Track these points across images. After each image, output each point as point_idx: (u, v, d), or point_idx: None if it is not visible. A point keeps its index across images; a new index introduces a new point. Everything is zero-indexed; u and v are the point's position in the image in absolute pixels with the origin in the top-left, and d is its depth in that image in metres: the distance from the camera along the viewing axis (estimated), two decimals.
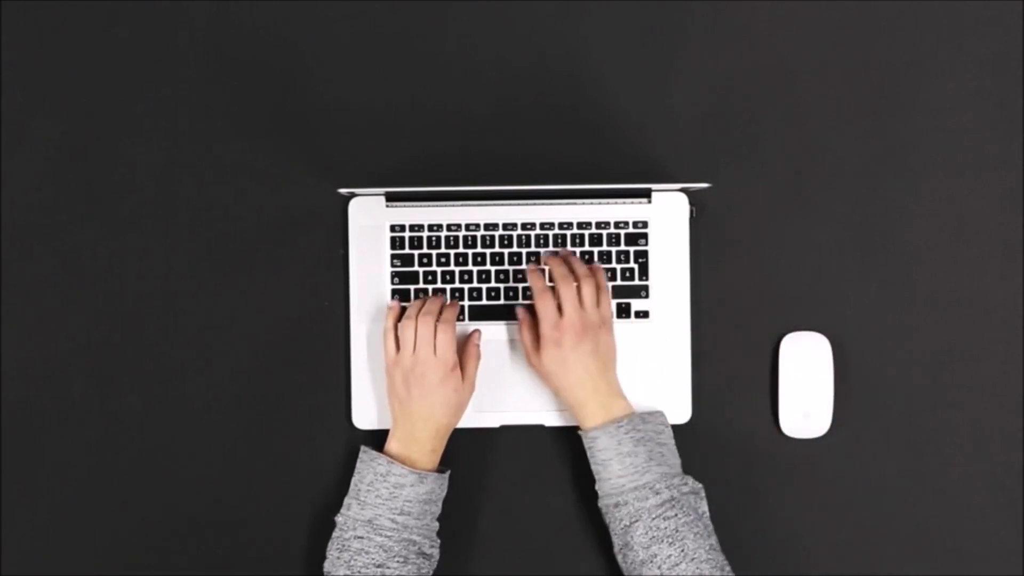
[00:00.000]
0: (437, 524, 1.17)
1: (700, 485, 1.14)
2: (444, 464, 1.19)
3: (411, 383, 1.15)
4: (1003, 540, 1.24)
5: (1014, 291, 1.24)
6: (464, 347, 1.20)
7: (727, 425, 1.24)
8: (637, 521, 1.11)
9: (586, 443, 1.16)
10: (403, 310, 1.20)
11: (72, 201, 1.24)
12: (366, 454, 1.16)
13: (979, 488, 1.24)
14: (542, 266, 1.22)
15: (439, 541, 1.16)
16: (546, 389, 1.22)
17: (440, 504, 1.17)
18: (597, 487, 1.16)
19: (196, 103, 1.25)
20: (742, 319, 1.25)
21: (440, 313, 1.17)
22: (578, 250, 1.23)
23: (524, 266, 1.22)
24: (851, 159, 1.25)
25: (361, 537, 1.12)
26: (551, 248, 1.23)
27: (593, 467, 1.16)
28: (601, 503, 1.15)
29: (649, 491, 1.11)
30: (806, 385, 1.23)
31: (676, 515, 1.11)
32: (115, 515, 1.24)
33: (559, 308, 1.16)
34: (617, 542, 1.14)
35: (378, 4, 1.25)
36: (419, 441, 1.15)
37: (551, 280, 1.19)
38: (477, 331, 1.21)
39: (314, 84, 1.25)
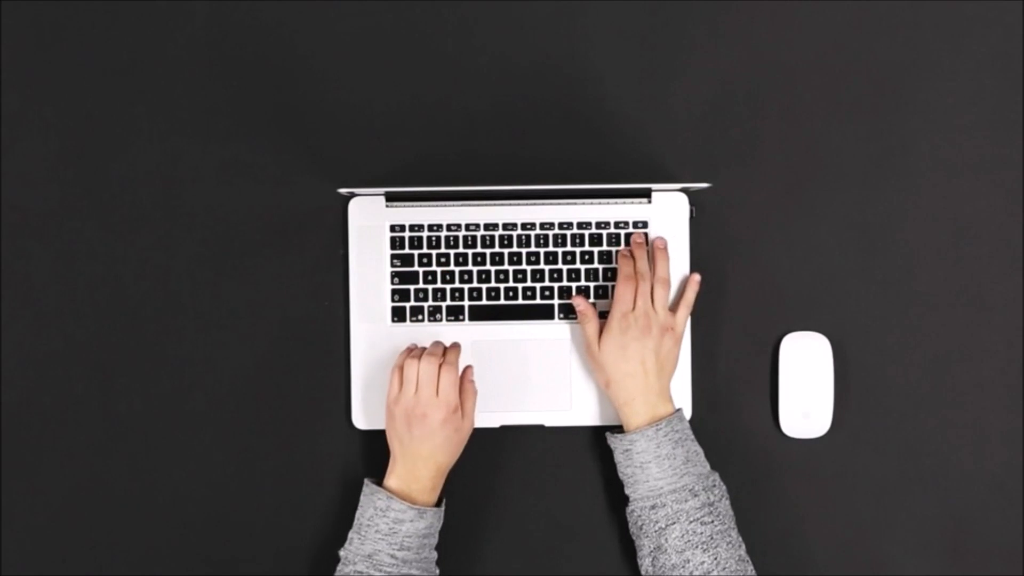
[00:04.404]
0: (435, 554, 1.16)
1: (724, 487, 1.15)
2: None
3: (413, 423, 1.14)
4: (1003, 540, 1.24)
5: (1014, 291, 1.24)
6: (461, 385, 1.17)
7: (727, 425, 1.24)
8: (674, 523, 1.11)
9: (622, 447, 1.15)
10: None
11: (72, 201, 1.24)
12: (368, 487, 1.15)
13: (979, 488, 1.24)
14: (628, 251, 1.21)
15: (437, 570, 1.16)
16: (546, 389, 1.22)
17: (437, 535, 1.16)
18: (629, 491, 1.15)
19: (196, 103, 1.25)
20: (742, 319, 1.24)
21: (444, 355, 1.16)
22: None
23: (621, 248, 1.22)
24: (851, 159, 1.25)
25: (360, 572, 1.11)
26: (642, 233, 1.22)
27: (627, 471, 1.15)
28: (634, 506, 1.14)
29: (688, 493, 1.11)
30: (806, 385, 1.23)
31: (712, 521, 1.11)
32: (115, 515, 1.24)
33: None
34: (648, 544, 1.13)
35: (378, 4, 1.25)
36: (419, 479, 1.14)
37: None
38: (470, 367, 1.20)
39: (314, 84, 1.25)
